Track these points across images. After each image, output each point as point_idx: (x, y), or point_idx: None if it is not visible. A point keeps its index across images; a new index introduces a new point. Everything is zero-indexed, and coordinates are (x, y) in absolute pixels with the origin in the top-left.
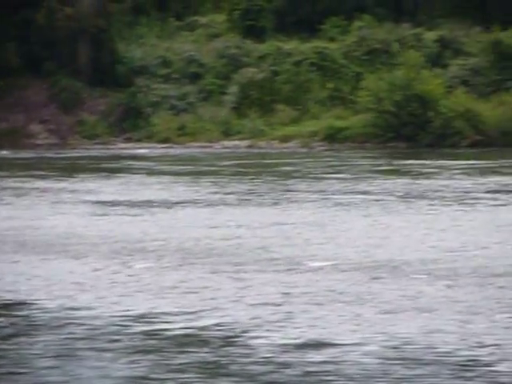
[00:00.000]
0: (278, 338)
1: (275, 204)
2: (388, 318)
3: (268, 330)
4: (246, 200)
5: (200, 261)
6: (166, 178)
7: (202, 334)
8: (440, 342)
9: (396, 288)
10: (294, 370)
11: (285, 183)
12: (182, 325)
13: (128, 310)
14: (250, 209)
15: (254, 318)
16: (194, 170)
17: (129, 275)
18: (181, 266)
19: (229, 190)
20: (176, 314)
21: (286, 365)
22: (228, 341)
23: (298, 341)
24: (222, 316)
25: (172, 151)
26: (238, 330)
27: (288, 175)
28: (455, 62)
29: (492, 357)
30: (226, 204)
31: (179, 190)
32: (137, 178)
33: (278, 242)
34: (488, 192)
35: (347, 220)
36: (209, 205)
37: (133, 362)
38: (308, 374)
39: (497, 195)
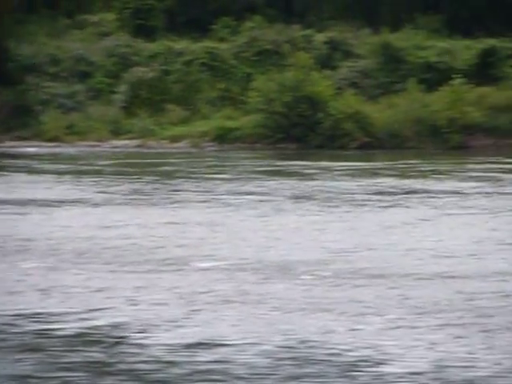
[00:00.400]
0: (168, 338)
1: (164, 204)
2: (279, 318)
3: (159, 330)
4: (134, 199)
5: (92, 260)
6: (49, 177)
7: (92, 333)
8: (331, 342)
9: (286, 288)
10: (182, 369)
11: (171, 183)
12: (73, 325)
13: (17, 310)
14: (139, 208)
15: (145, 318)
16: (79, 169)
17: (18, 275)
18: (73, 265)
19: (114, 190)
20: (67, 314)
21: (174, 364)
22: (118, 340)
23: (189, 341)
24: (114, 316)
25: (59, 150)
26: (129, 330)
27: (174, 175)
28: (345, 64)
29: (381, 357)
30: (113, 204)
31: (63, 188)
32: (19, 176)
33: (171, 242)
34: (374, 193)
35: (238, 220)
36: (96, 204)
37: (19, 360)
38: (195, 373)
39: (382, 197)
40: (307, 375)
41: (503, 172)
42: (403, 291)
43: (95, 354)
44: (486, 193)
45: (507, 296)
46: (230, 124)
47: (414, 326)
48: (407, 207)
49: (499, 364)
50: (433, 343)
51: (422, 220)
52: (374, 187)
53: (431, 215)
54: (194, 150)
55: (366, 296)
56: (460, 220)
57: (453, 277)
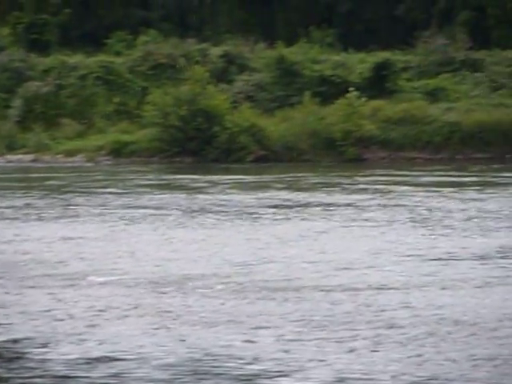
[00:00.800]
0: (67, 353)
1: (58, 218)
2: (178, 332)
3: (58, 345)
4: (26, 214)
5: None
6: None
7: None
8: (229, 355)
9: (185, 302)
10: (78, 383)
11: (63, 197)
12: None
13: None
14: (33, 223)
15: (45, 333)
16: None
17: None
18: None
19: (6, 204)
20: None
21: (71, 378)
22: (17, 356)
23: (87, 355)
24: (14, 331)
25: None
26: (29, 345)
27: (66, 189)
28: (240, 78)
29: (280, 369)
30: (6, 218)
31: None
32: None
33: (67, 256)
34: (269, 207)
35: (135, 234)
36: None
37: None
38: None
39: (278, 210)
40: None
41: (394, 184)
42: (304, 304)
43: None
44: (379, 205)
45: (413, 308)
46: (125, 138)
47: (314, 338)
48: (303, 220)
49: (404, 374)
50: (333, 356)
51: (320, 232)
52: (268, 200)
53: (328, 228)
54: (88, 165)
55: (266, 309)
56: (357, 232)
57: (354, 289)
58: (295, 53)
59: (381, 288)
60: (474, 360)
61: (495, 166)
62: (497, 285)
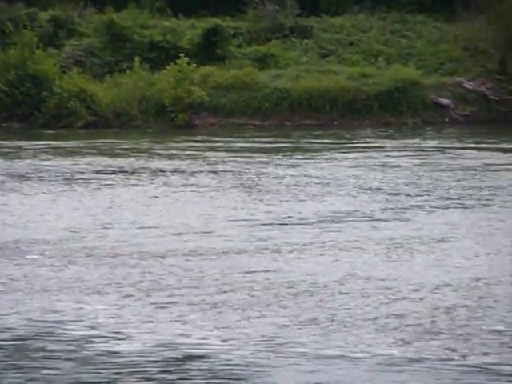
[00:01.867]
0: None
1: None
2: (5, 299)
3: None
4: None
5: None
6: None
7: None
8: (55, 321)
9: (13, 268)
10: None
11: None
12: None
13: None
14: None
15: None
16: None
17: None
18: None
19: None
20: None
21: None
22: None
23: None
24: None
25: None
26: None
27: None
28: (69, 43)
29: (107, 333)
30: None
31: None
32: None
33: None
34: (96, 172)
35: None
36: None
37: None
38: None
39: (105, 175)
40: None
41: (223, 150)
42: (136, 269)
43: None
44: (208, 171)
45: (247, 272)
46: None
47: (143, 304)
48: (134, 185)
49: (233, 339)
50: (162, 321)
51: (151, 197)
52: (94, 166)
53: (158, 193)
54: None
55: (97, 275)
56: (188, 198)
57: (186, 254)
58: (125, 18)
59: (215, 253)
60: (300, 323)
61: (323, 132)
62: (330, 248)
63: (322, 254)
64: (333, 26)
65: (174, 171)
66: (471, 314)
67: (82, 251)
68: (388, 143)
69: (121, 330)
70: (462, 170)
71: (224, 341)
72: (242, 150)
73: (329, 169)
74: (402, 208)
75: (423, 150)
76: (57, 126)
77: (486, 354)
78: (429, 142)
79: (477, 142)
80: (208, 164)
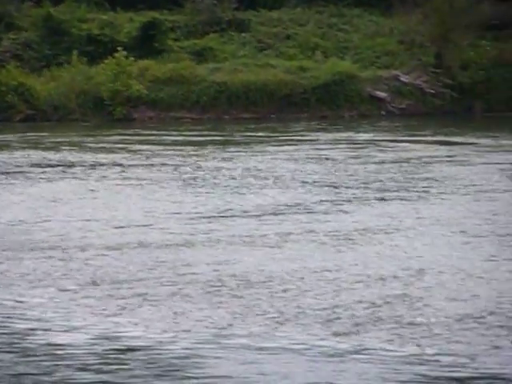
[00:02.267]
0: None
1: None
2: None
3: None
4: None
5: None
6: None
7: None
8: None
9: None
10: None
11: None
12: None
13: None
14: None
15: None
16: None
17: None
18: None
19: None
20: None
21: None
22: None
23: None
24: None
25: None
26: None
27: None
28: (7, 36)
29: (46, 328)
30: None
31: None
32: None
33: None
34: (34, 166)
35: None
36: None
37: None
38: None
39: (43, 169)
40: None
41: (160, 144)
42: (76, 263)
43: None
44: (146, 164)
45: (190, 265)
46: None
47: (85, 296)
48: (74, 178)
49: (168, 332)
50: (105, 314)
51: (91, 191)
52: (31, 159)
53: (98, 186)
54: None
55: (38, 268)
56: (127, 191)
57: (129, 247)
58: (63, 12)
59: (157, 246)
60: (245, 315)
61: (258, 125)
62: (273, 240)
63: (265, 247)
64: (270, 19)
65: (112, 165)
66: (412, 304)
67: (23, 244)
68: (322, 136)
69: (62, 323)
70: (395, 162)
71: (166, 332)
72: (177, 143)
73: (264, 162)
74: (341, 200)
75: (356, 143)
76: None
77: (425, 344)
78: (362, 134)
79: (410, 135)
80: (145, 157)
